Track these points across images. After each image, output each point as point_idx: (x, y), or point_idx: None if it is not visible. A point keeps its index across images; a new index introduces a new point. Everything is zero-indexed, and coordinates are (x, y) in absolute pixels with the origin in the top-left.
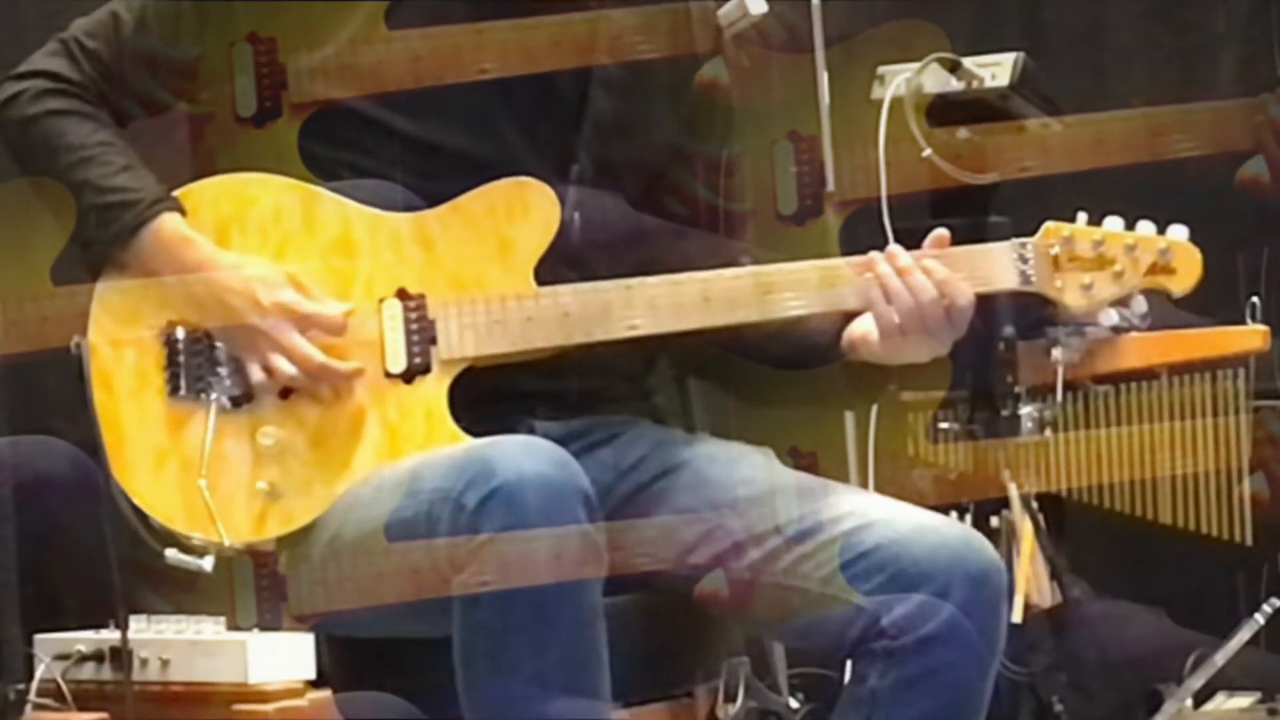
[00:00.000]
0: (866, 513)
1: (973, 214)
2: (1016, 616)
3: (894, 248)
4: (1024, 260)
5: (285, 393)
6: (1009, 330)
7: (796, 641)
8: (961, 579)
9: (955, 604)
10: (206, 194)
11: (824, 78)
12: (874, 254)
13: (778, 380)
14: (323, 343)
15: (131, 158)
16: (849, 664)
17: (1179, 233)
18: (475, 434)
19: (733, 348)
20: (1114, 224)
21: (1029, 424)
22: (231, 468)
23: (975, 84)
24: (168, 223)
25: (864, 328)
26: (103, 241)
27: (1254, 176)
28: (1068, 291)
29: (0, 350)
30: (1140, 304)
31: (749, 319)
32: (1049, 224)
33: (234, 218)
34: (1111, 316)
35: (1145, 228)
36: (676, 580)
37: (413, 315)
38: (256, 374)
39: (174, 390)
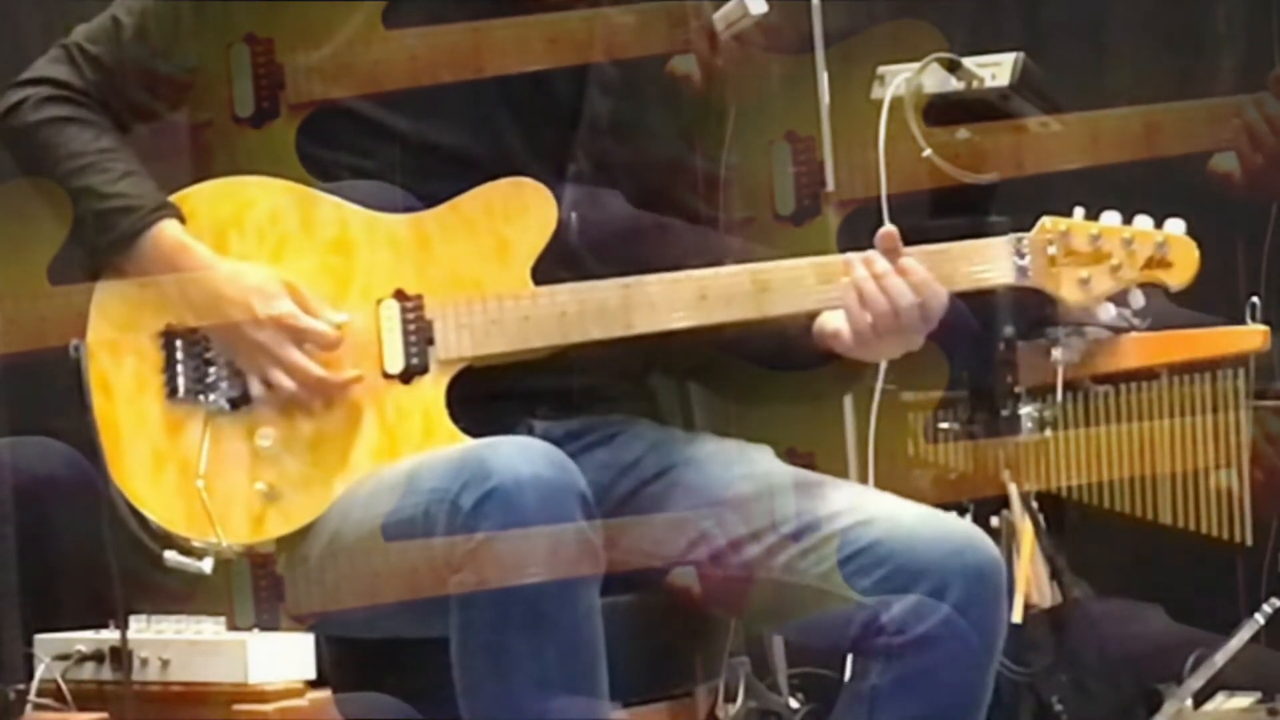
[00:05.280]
0: (866, 508)
1: (973, 214)
2: (1016, 616)
3: (871, 253)
4: (1021, 255)
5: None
6: (1009, 330)
7: (796, 638)
8: (961, 574)
9: (955, 599)
10: (204, 196)
11: (824, 78)
12: (850, 257)
13: (760, 377)
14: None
15: (133, 164)
16: (850, 661)
17: (1176, 226)
18: (474, 434)
19: (719, 346)
20: (1111, 219)
21: (1029, 424)
22: (229, 469)
23: (975, 84)
24: (167, 229)
25: (835, 324)
26: (102, 247)
27: (1226, 172)
28: (1065, 286)
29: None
30: (1138, 298)
31: (746, 316)
32: (1045, 219)
33: (232, 220)
34: (1109, 311)
35: (1142, 222)
36: (676, 579)
37: (410, 316)
38: (257, 388)
39: (171, 392)
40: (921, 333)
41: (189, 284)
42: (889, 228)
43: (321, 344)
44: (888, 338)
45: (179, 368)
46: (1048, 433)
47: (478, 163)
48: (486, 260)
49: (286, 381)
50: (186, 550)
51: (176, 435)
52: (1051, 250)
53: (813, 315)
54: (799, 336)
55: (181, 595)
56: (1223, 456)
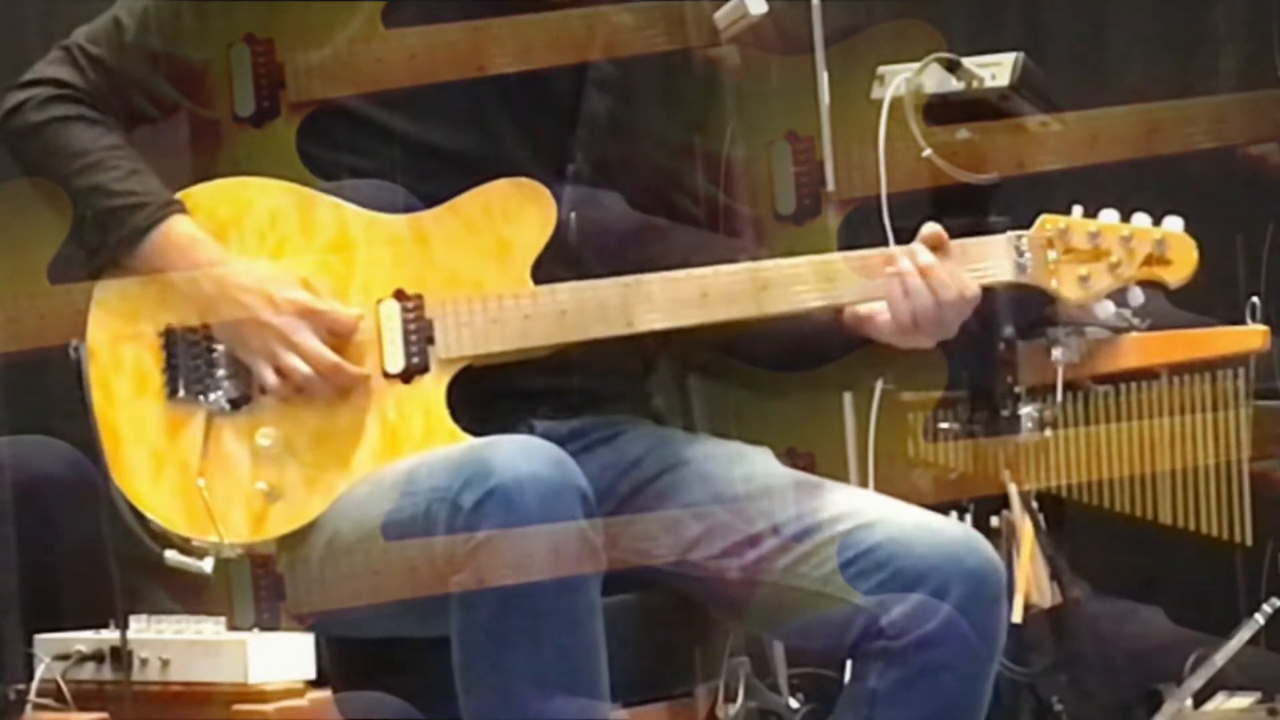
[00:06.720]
0: (865, 512)
1: (973, 214)
2: (1016, 616)
3: (915, 245)
4: (1020, 252)
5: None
6: (1009, 330)
7: (796, 641)
8: (960, 578)
9: (954, 603)
10: (204, 198)
11: (824, 78)
12: (895, 249)
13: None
14: (326, 344)
15: (138, 162)
16: (849, 664)
17: (1175, 224)
18: (475, 433)
19: (735, 353)
20: (1109, 216)
21: (1029, 424)
22: (230, 469)
23: (975, 84)
24: (178, 225)
25: (867, 309)
26: (110, 244)
27: (1261, 154)
28: (1064, 283)
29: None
30: (1136, 296)
31: (746, 315)
32: (1045, 216)
33: (232, 221)
34: (1108, 308)
35: (1141, 220)
36: (676, 579)
37: (410, 315)
38: (270, 377)
39: (172, 392)
40: (957, 322)
41: (202, 276)
42: (935, 227)
43: (340, 327)
44: (928, 327)
45: (179, 367)
46: (1048, 433)
47: (477, 163)
48: (486, 260)
49: (300, 366)
50: (187, 550)
51: (177, 435)
52: (1051, 248)
53: (837, 312)
54: (828, 324)
55: (182, 595)
56: (1223, 456)
